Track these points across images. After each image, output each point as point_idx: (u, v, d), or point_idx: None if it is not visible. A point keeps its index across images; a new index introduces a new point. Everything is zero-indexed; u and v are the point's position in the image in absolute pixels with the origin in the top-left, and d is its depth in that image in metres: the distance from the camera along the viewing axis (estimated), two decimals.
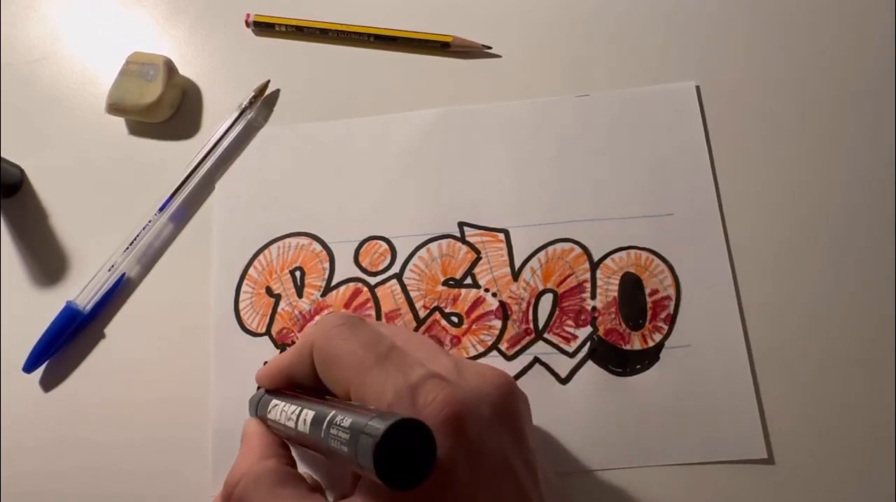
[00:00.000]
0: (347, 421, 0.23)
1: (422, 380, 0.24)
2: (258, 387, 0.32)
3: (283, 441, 0.29)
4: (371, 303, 0.37)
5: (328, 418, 0.24)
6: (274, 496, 0.25)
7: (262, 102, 0.42)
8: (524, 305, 0.36)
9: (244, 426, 0.30)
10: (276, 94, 0.43)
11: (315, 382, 0.28)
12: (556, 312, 0.36)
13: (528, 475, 0.25)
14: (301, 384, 0.29)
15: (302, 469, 0.32)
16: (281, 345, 0.37)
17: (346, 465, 0.23)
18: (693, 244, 0.36)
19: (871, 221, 0.36)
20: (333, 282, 0.38)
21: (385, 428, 0.21)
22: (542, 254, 0.37)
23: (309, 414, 0.25)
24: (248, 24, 0.44)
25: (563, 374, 0.35)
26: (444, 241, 0.38)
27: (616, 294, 0.36)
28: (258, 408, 0.31)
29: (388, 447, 0.21)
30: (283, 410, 0.28)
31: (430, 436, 0.21)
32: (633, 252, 0.37)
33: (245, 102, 0.41)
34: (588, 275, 0.37)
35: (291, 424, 0.27)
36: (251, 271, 0.39)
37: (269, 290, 0.38)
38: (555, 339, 0.36)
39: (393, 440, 0.21)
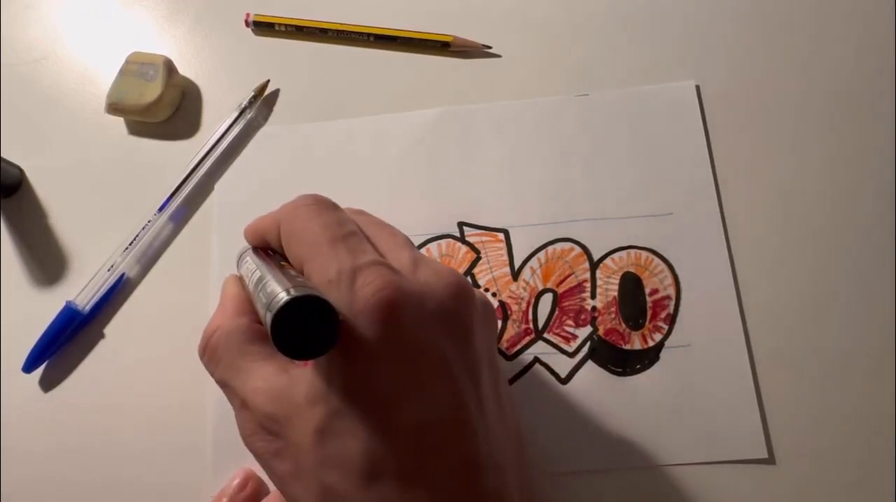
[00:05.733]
0: (269, 288, 0.23)
1: (366, 265, 0.23)
2: None
3: None
4: None
5: (262, 282, 0.24)
6: (241, 352, 0.26)
7: (262, 102, 0.42)
8: (524, 305, 0.36)
9: (224, 282, 0.31)
10: (275, 93, 0.43)
11: (284, 251, 0.28)
12: (556, 312, 0.36)
13: (469, 381, 0.24)
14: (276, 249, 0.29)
15: None
16: None
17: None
18: (693, 243, 0.36)
19: (871, 221, 0.36)
20: None
21: (286, 300, 0.21)
22: (541, 254, 0.37)
23: (256, 274, 0.26)
24: (247, 24, 0.44)
25: (563, 374, 0.35)
26: (443, 241, 0.38)
27: (616, 294, 0.36)
28: (238, 264, 0.31)
29: (289, 318, 0.21)
30: (247, 268, 0.28)
31: (333, 313, 0.22)
32: (632, 252, 0.37)
33: (245, 102, 0.41)
34: (588, 275, 0.36)
35: (247, 281, 0.27)
36: None
37: None
38: (555, 339, 0.36)
39: (296, 312, 0.21)
